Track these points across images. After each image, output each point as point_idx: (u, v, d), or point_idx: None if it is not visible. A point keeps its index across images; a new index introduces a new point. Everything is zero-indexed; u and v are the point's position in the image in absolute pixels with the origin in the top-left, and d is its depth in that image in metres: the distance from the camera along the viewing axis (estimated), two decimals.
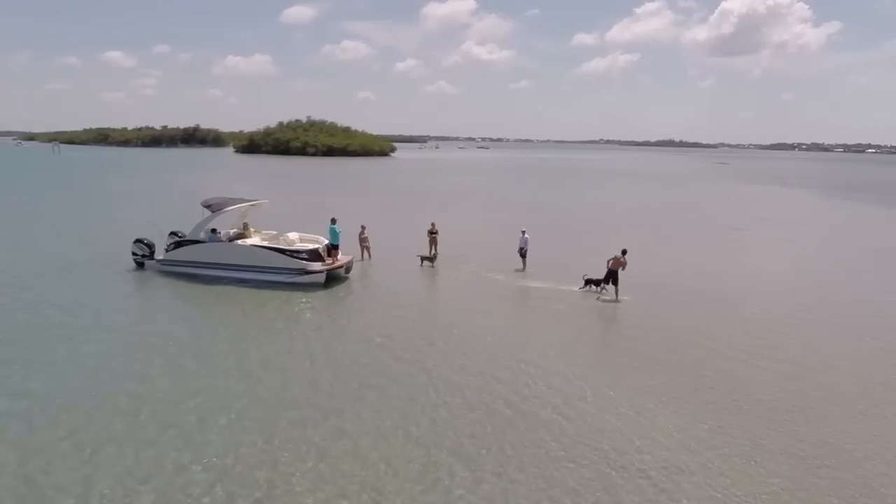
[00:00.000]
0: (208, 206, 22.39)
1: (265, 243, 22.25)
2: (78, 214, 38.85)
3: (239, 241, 21.94)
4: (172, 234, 24.70)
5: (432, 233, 25.27)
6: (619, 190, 69.85)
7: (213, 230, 22.43)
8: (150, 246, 23.10)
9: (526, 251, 23.34)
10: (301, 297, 19.37)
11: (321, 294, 19.92)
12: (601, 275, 19.88)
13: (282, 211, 36.74)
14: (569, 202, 54.01)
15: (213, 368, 13.54)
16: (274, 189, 60.53)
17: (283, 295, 19.56)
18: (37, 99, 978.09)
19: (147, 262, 22.99)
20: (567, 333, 16.28)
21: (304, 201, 49.26)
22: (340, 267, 21.59)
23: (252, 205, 23.65)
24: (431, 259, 24.07)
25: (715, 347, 15.30)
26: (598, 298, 19.49)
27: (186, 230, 23.39)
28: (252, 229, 23.51)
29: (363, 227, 25.17)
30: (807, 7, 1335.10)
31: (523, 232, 23.58)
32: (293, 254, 20.83)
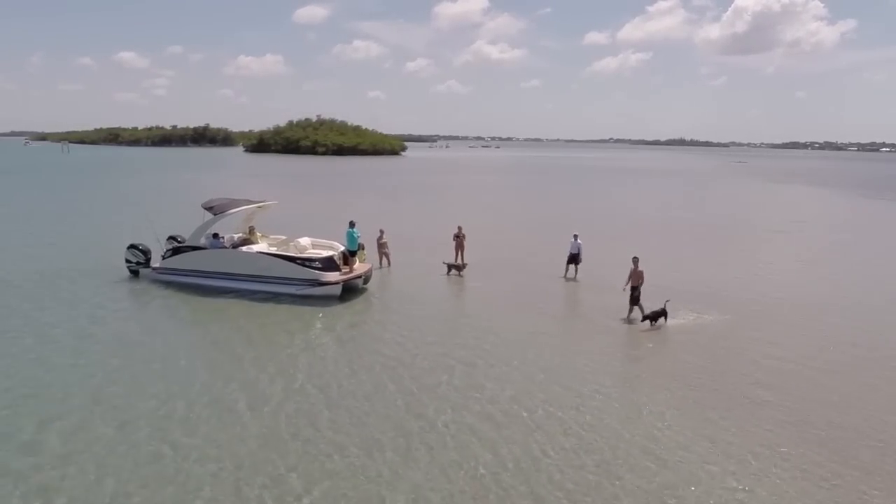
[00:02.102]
0: (209, 209, 19.96)
1: (273, 250, 19.87)
2: (74, 216, 36.57)
3: (244, 248, 19.50)
4: (171, 238, 22.27)
5: (458, 237, 22.77)
6: (646, 189, 66.88)
7: (215, 235, 19.99)
8: (146, 252, 20.72)
9: (579, 258, 20.76)
10: (319, 314, 16.83)
11: (340, 310, 17.36)
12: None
13: (292, 213, 34.36)
14: (598, 202, 51.13)
15: (233, 420, 10.70)
16: (283, 189, 58.28)
17: (296, 311, 17.07)
18: (52, 99, 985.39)
19: (142, 271, 20.61)
20: (641, 363, 13.66)
21: (315, 202, 46.90)
22: (359, 277, 19.08)
23: (259, 206, 21.17)
24: (459, 268, 21.46)
25: (817, 378, 12.65)
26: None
27: (187, 234, 20.93)
28: (259, 234, 21.11)
29: (381, 232, 22.67)
30: (822, 5, 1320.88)
31: (575, 236, 20.96)
32: (305, 262, 18.35)
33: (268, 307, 17.41)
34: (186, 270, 19.66)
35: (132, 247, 20.85)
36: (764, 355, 13.96)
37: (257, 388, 11.93)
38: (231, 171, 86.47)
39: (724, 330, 15.80)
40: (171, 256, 20.12)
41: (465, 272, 21.36)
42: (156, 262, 20.53)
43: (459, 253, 22.70)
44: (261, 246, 19.92)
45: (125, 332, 15.37)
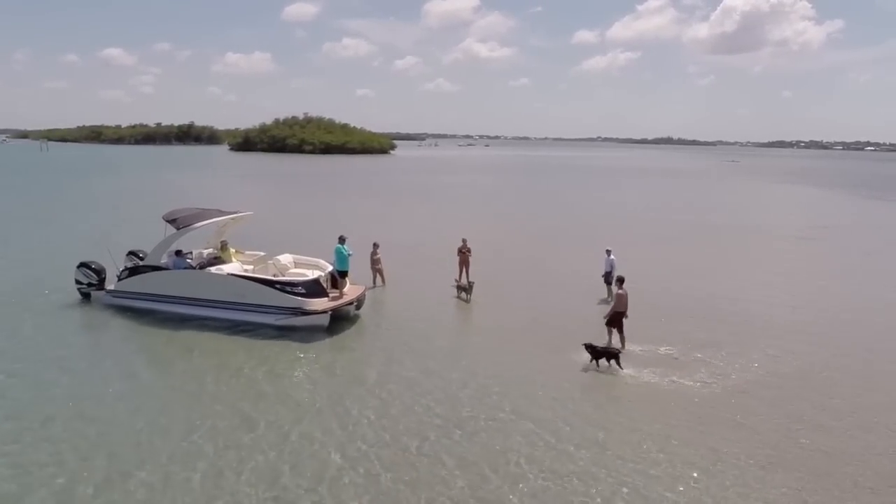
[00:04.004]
0: (172, 221, 16.83)
1: (248, 269, 16.89)
2: (29, 223, 32.58)
3: (213, 269, 16.40)
4: (132, 254, 19.20)
5: (463, 251, 19.82)
6: (652, 190, 63.92)
7: (178, 252, 16.91)
8: (99, 272, 17.57)
9: (612, 276, 17.91)
10: (301, 354, 13.74)
11: (329, 347, 14.29)
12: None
13: (272, 221, 31.37)
14: (607, 205, 47.88)
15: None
16: (264, 192, 55.15)
17: (276, 347, 14.01)
18: (36, 97, 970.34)
19: (94, 293, 17.48)
20: (729, 429, 10.39)
21: (300, 207, 43.73)
22: (350, 303, 16.04)
23: (232, 218, 18.04)
24: (466, 289, 18.43)
25: None
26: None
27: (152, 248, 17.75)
28: (232, 250, 18.05)
29: (376, 246, 19.63)
30: (809, 5, 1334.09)
31: (608, 252, 18.08)
32: (285, 287, 15.28)
33: (241, 342, 14.35)
34: (145, 294, 16.58)
35: (83, 265, 17.68)
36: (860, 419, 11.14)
37: (233, 474, 8.87)
38: (213, 171, 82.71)
39: (808, 376, 12.94)
40: (127, 277, 17.00)
41: (472, 294, 18.30)
42: (111, 283, 17.45)
43: (464, 270, 19.80)
44: (233, 266, 16.84)
45: (62, 379, 12.22)
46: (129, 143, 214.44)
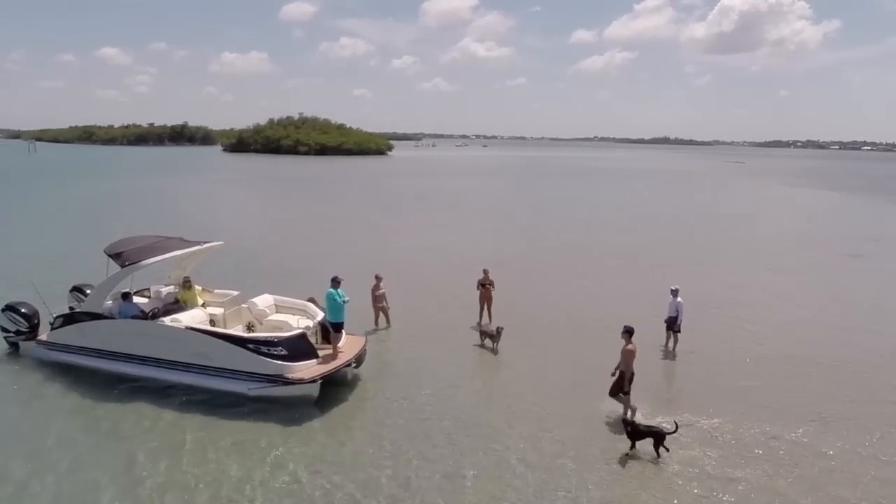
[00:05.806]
0: (115, 257, 13.11)
1: (216, 316, 13.27)
2: None
3: (168, 319, 12.63)
4: (76, 289, 15.57)
5: (485, 286, 16.22)
6: (668, 195, 59.94)
7: (126, 295, 13.22)
8: (30, 317, 13.88)
9: (678, 322, 14.28)
10: (279, 446, 10.08)
11: (318, 429, 10.65)
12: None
13: (251, 243, 27.60)
14: (633, 213, 43.69)
15: None
16: (251, 201, 51.31)
17: (246, 431, 10.38)
18: (32, 96, 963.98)
19: (23, 344, 13.82)
20: None
21: (287, 220, 39.82)
22: (348, 364, 12.29)
23: (197, 250, 14.22)
24: (493, 336, 14.67)
25: None
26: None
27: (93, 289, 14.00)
28: (198, 288, 14.37)
29: (378, 280, 15.98)
30: (807, 5, 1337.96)
31: (674, 292, 14.38)
32: (260, 347, 11.58)
33: (202, 426, 10.64)
34: (84, 349, 12.93)
35: (10, 308, 13.97)
36: None
37: None
38: (200, 175, 78.37)
39: None
40: (61, 326, 13.32)
41: (499, 343, 14.57)
42: (45, 331, 13.78)
43: (486, 307, 16.24)
44: (195, 313, 13.08)
45: None
46: (122, 144, 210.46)
